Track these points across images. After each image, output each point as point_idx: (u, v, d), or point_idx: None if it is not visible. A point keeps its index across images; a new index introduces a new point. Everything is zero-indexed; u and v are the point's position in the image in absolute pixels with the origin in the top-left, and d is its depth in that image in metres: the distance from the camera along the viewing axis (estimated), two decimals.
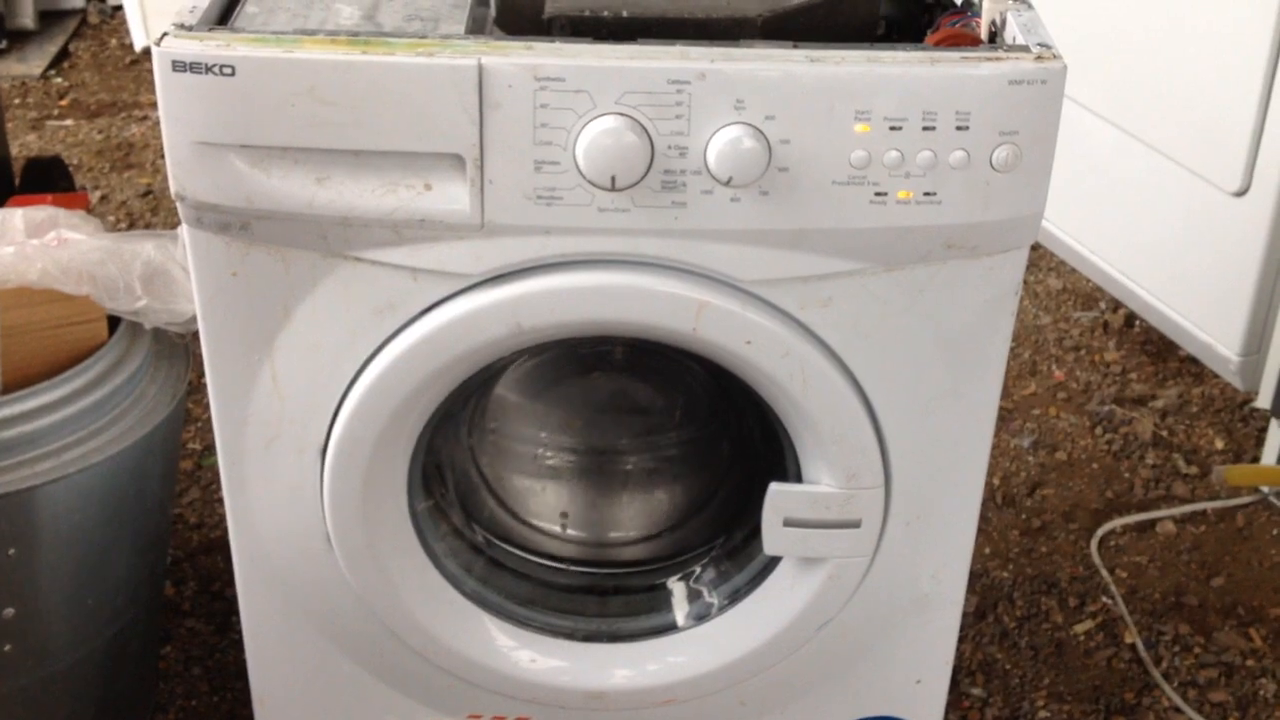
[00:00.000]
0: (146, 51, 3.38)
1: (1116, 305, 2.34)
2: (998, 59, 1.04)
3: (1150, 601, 1.76)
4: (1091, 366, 2.21)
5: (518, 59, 1.02)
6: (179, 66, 1.02)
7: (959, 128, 1.03)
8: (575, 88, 1.03)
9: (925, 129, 1.03)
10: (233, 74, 1.01)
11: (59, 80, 3.32)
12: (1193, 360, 2.19)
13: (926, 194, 1.05)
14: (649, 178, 1.04)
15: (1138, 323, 2.30)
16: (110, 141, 3.03)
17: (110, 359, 1.38)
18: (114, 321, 1.41)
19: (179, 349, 1.48)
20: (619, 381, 1.37)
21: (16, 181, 2.30)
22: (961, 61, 1.03)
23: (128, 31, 3.46)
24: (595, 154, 1.03)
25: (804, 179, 1.04)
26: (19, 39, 3.41)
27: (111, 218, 2.73)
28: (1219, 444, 2.04)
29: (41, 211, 1.43)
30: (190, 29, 1.04)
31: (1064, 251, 2.38)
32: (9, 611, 1.31)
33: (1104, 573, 1.79)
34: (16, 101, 3.20)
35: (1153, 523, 1.89)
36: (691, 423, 1.40)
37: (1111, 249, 2.27)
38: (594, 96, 1.03)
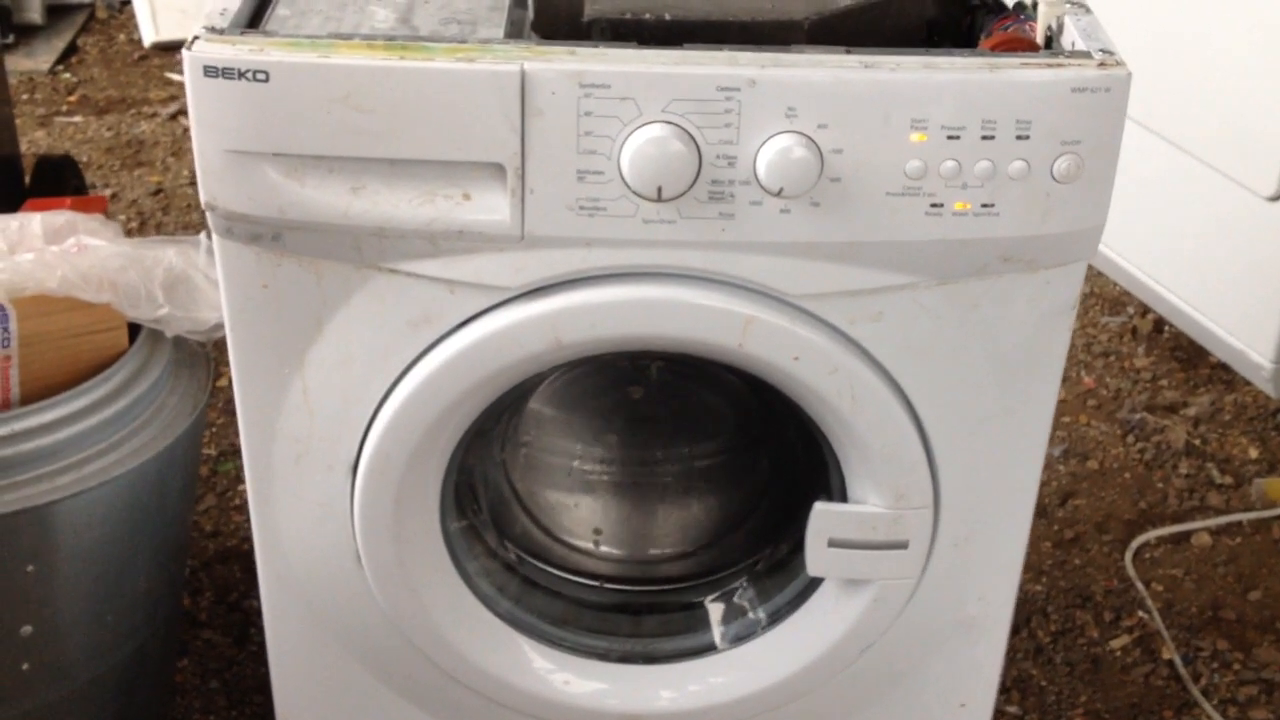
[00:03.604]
0: (155, 47, 3.34)
1: (1145, 310, 2.30)
2: (1059, 65, 1.00)
3: (1187, 616, 1.73)
4: (1121, 373, 2.18)
5: (562, 64, 0.98)
6: (211, 72, 0.98)
7: (1019, 137, 1.00)
8: (621, 95, 0.99)
9: (984, 138, 1.00)
10: (266, 80, 0.98)
11: (67, 76, 3.28)
12: (1224, 367, 2.15)
13: (984, 205, 1.01)
14: (696, 188, 1.01)
15: (1167, 328, 2.27)
16: (120, 139, 2.99)
17: (131, 368, 1.34)
18: (134, 329, 1.38)
19: (199, 357, 1.45)
20: (655, 393, 1.34)
21: (27, 180, 2.27)
22: (1022, 67, 1.00)
23: (136, 26, 3.42)
24: (641, 163, 0.99)
25: (857, 190, 1.01)
26: (26, 34, 3.37)
27: (122, 217, 2.69)
28: (1253, 453, 2.01)
29: (60, 216, 1.39)
30: (222, 32, 1.00)
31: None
32: (27, 629, 1.28)
33: (1139, 586, 1.76)
34: (24, 97, 3.16)
35: (1188, 534, 1.85)
36: (730, 435, 1.36)
37: (1140, 253, 2.23)
38: (640, 104, 0.99)
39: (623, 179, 1.00)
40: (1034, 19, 1.11)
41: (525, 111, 0.99)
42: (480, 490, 1.27)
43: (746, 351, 1.06)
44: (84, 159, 2.91)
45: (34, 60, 3.30)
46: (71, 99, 3.19)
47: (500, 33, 1.06)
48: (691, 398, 1.34)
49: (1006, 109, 0.99)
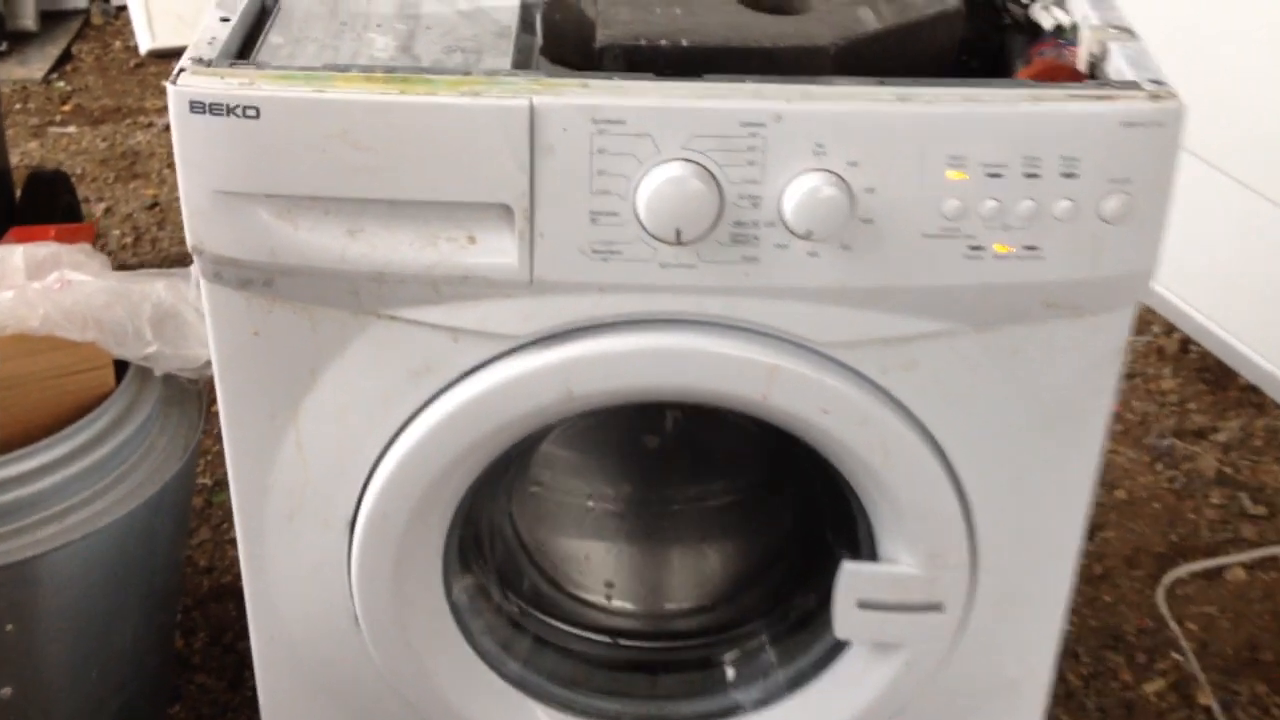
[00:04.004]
0: (151, 54, 3.27)
1: (1170, 329, 2.23)
2: (1109, 97, 0.93)
3: (1223, 657, 1.66)
4: (1147, 396, 2.10)
5: (573, 98, 0.91)
6: (197, 107, 0.91)
7: (1065, 175, 0.93)
8: (637, 131, 0.92)
9: (1027, 176, 0.93)
10: (257, 116, 0.91)
11: (61, 84, 3.21)
12: (1254, 389, 2.08)
13: (1027, 248, 0.94)
14: (717, 230, 0.94)
15: (1193, 348, 2.19)
16: (115, 150, 2.92)
17: (118, 409, 1.27)
18: (121, 366, 1.31)
19: (190, 394, 1.38)
20: (671, 437, 1.27)
21: (17, 195, 2.20)
22: (1068, 100, 0.93)
23: (132, 33, 3.35)
24: (659, 204, 0.92)
25: (890, 231, 0.94)
26: (20, 41, 3.30)
27: (116, 231, 2.62)
28: None
29: (43, 249, 1.32)
30: (209, 64, 0.93)
31: None
32: (7, 691, 1.21)
33: (1173, 626, 1.69)
34: (18, 107, 3.09)
35: (1221, 569, 1.78)
36: (750, 482, 1.29)
37: (1165, 269, 2.16)
38: (658, 141, 0.92)
39: (639, 221, 0.93)
40: (1075, 44, 1.04)
41: (534, 149, 0.92)
42: (485, 543, 1.20)
43: (771, 404, 0.99)
44: (78, 171, 2.84)
45: (28, 68, 3.24)
46: (66, 108, 3.12)
47: (507, 62, 0.99)
48: (710, 442, 1.28)
49: (1052, 145, 0.92)
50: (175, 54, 2.95)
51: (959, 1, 1.08)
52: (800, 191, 0.92)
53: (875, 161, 0.92)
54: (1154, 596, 1.74)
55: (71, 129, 3.03)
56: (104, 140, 2.96)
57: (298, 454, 1.05)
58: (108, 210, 2.70)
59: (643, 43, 1.02)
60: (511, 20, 1.04)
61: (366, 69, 0.93)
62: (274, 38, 1.00)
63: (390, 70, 0.93)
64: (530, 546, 1.27)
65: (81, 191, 2.73)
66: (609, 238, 0.94)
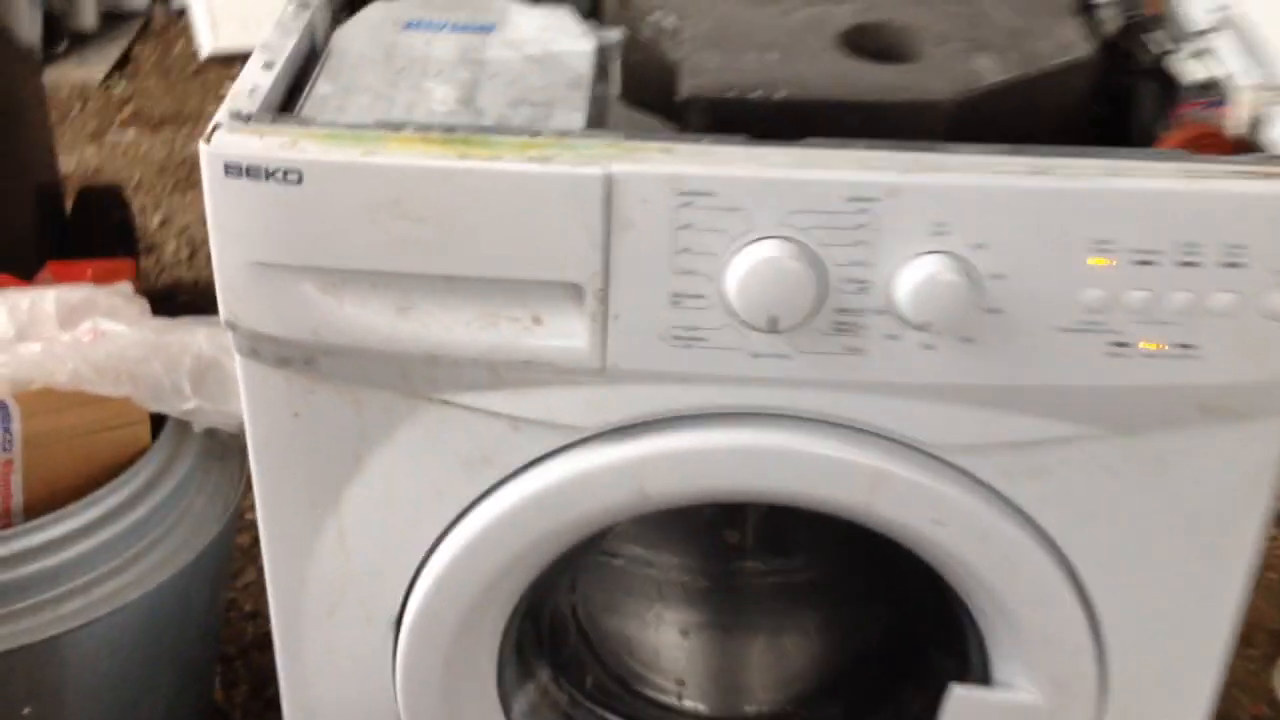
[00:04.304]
0: (213, 58, 3.19)
1: None
2: None
3: None
4: None
5: (655, 166, 0.80)
6: (233, 170, 0.80)
7: (1228, 264, 0.79)
8: (729, 204, 0.80)
9: (1183, 264, 0.80)
10: (299, 181, 0.80)
11: (121, 87, 3.14)
12: None
13: (1181, 346, 0.81)
14: (818, 317, 0.82)
15: None
16: (173, 158, 2.85)
17: (153, 468, 1.18)
18: (157, 419, 1.21)
19: (232, 449, 1.28)
20: (753, 526, 1.15)
21: (68, 209, 2.12)
22: (1233, 177, 0.79)
23: (194, 35, 3.28)
24: (752, 287, 0.80)
25: (1021, 324, 0.81)
26: (79, 41, 3.23)
27: (172, 244, 2.54)
28: None
29: (77, 292, 1.23)
30: (248, 119, 0.82)
31: None
32: None
33: None
34: (76, 110, 3.03)
35: None
36: (840, 577, 1.17)
37: None
38: (752, 215, 0.80)
39: (728, 305, 0.82)
40: (1227, 104, 0.91)
41: (610, 223, 0.80)
42: (544, 637, 1.09)
43: (875, 512, 0.87)
44: (135, 179, 2.76)
45: (86, 69, 3.17)
46: (124, 113, 3.05)
47: (580, 118, 0.87)
48: (796, 532, 1.16)
49: (1214, 229, 0.79)
50: (239, 57, 2.87)
51: (1091, 48, 0.95)
52: (917, 277, 0.80)
53: (1005, 244, 0.80)
54: (1270, 681, 1.59)
55: (130, 134, 2.96)
56: (163, 146, 2.89)
57: (340, 545, 0.94)
58: (164, 222, 2.62)
59: (731, 95, 0.91)
60: (585, 67, 0.93)
61: (423, 127, 0.82)
62: (322, 86, 0.89)
63: (449, 130, 0.81)
64: (594, 639, 1.16)
65: (138, 201, 2.65)
66: (692, 323, 0.83)
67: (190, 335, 1.19)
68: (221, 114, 0.83)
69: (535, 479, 0.89)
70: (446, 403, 0.88)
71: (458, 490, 0.91)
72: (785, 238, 0.80)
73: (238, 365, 0.89)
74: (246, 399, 0.90)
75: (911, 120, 0.90)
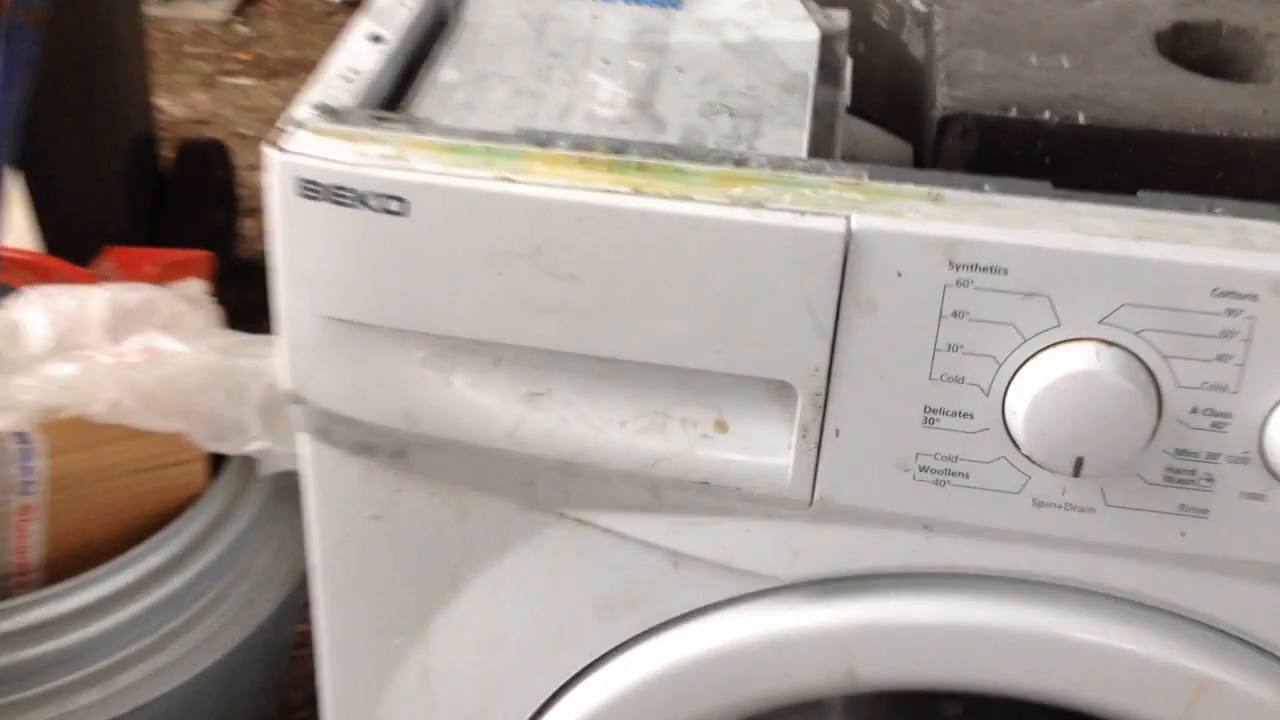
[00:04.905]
0: (346, 2, 2.98)
1: None
2: None
3: None
4: None
5: (919, 223, 0.54)
6: (312, 190, 0.56)
7: None
8: (1024, 287, 0.54)
9: None
10: (404, 212, 0.55)
11: (243, 28, 2.94)
12: None
13: None
14: (1146, 460, 0.55)
15: None
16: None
17: (206, 519, 0.95)
18: (215, 456, 0.99)
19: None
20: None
21: (169, 163, 1.93)
22: None
23: None
24: (1050, 410, 0.54)
25: None
26: None
27: None
28: None
29: (135, 292, 1.00)
30: (339, 118, 0.58)
31: None
32: None
33: None
34: (189, 50, 2.84)
35: None
36: None
37: None
38: (1058, 306, 0.54)
39: (1009, 431, 0.55)
40: None
41: (844, 299, 0.55)
42: None
43: None
44: (246, 131, 2.56)
45: (208, 6, 2.98)
46: (243, 56, 2.85)
47: (803, 138, 0.61)
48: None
49: None
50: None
51: None
52: None
53: None
54: None
55: (246, 81, 2.76)
56: (279, 98, 2.68)
57: (422, 688, 0.70)
58: None
59: (1012, 114, 0.64)
60: (806, 63, 0.67)
61: (582, 142, 0.57)
62: (447, 72, 0.64)
63: (618, 150, 0.56)
64: None
65: (246, 156, 2.45)
66: (951, 450, 0.57)
67: (261, 359, 0.96)
68: (302, 106, 0.59)
69: (697, 636, 0.64)
70: (582, 523, 0.63)
71: (586, 637, 0.66)
72: (1108, 342, 0.54)
73: (303, 447, 0.65)
74: (314, 491, 0.66)
75: (1268, 162, 0.63)
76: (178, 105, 2.61)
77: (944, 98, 0.64)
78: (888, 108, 0.76)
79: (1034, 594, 0.60)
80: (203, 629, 0.93)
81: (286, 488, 1.03)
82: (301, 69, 2.81)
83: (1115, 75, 0.67)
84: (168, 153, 1.93)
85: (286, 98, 2.66)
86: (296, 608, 1.04)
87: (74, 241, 1.32)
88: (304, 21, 2.99)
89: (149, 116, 1.90)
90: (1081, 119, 0.63)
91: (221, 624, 0.94)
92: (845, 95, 0.67)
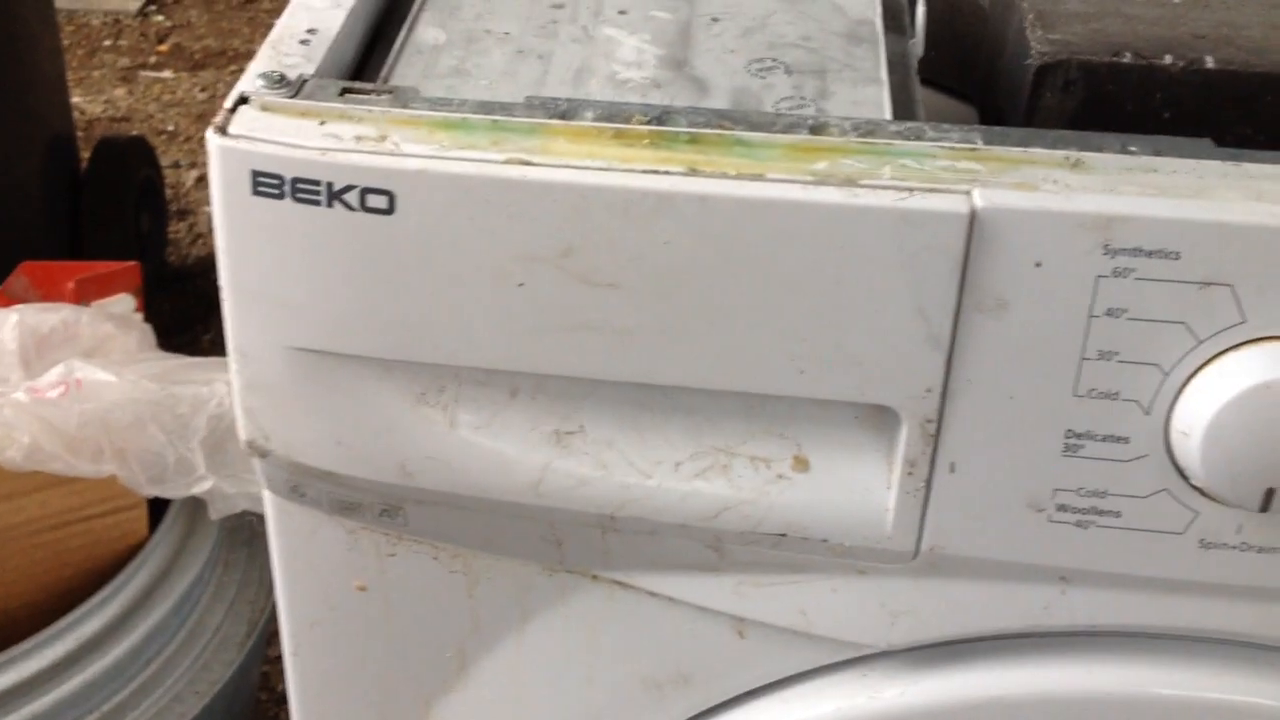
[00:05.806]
0: None
1: None
2: None
3: None
4: None
5: (1060, 198, 0.42)
6: (266, 185, 0.43)
7: None
8: (1200, 275, 0.42)
9: None
10: (389, 208, 0.43)
11: (159, 19, 2.78)
12: None
13: None
14: None
15: None
16: (215, 103, 2.48)
17: (147, 574, 0.82)
18: (156, 501, 0.85)
19: (261, 535, 0.92)
20: None
21: (83, 164, 1.78)
22: None
23: None
24: (1232, 429, 0.42)
25: None
26: None
27: (208, 208, 2.18)
28: None
29: (51, 314, 0.86)
30: (298, 89, 0.45)
31: None
32: None
33: None
34: (107, 43, 2.67)
35: None
36: None
37: None
38: (1242, 297, 0.42)
39: (1172, 457, 0.44)
40: None
41: (964, 300, 0.43)
42: None
43: None
44: (169, 127, 2.41)
45: None
46: (162, 48, 2.69)
47: (883, 97, 0.49)
48: None
49: None
50: None
51: None
52: None
53: None
54: None
55: (167, 74, 2.60)
56: (203, 90, 2.52)
57: None
58: (201, 178, 2.26)
59: (1125, 58, 0.52)
60: (868, 7, 0.54)
61: (613, 112, 0.44)
62: (429, 31, 0.51)
63: (661, 117, 0.44)
64: None
65: (171, 154, 2.31)
66: (1098, 484, 0.45)
67: (206, 385, 0.82)
68: (250, 78, 0.46)
69: (767, 717, 0.52)
70: (623, 585, 0.51)
71: (625, 718, 0.54)
72: None
73: (267, 507, 0.52)
74: (283, 560, 0.53)
75: None
76: (94, 102, 2.45)
77: (1038, 42, 0.52)
78: (939, 62, 0.64)
79: (1196, 654, 0.49)
80: (150, 703, 0.79)
81: (239, 528, 0.90)
82: (226, 59, 2.66)
83: (1238, 12, 0.56)
84: (86, 154, 1.77)
85: (212, 89, 2.52)
86: (256, 670, 0.90)
87: None
88: (225, 8, 2.83)
89: (64, 115, 1.74)
90: (1210, 63, 0.52)
91: (172, 695, 0.80)
92: (918, 44, 0.55)
